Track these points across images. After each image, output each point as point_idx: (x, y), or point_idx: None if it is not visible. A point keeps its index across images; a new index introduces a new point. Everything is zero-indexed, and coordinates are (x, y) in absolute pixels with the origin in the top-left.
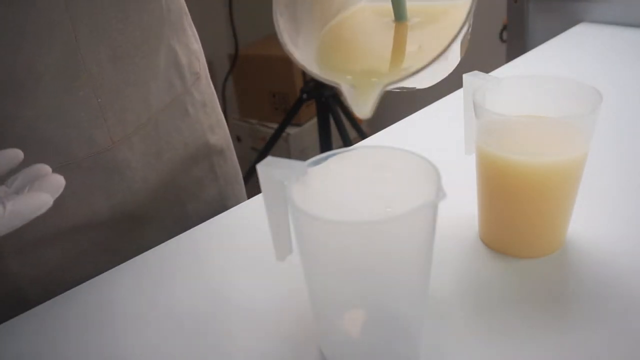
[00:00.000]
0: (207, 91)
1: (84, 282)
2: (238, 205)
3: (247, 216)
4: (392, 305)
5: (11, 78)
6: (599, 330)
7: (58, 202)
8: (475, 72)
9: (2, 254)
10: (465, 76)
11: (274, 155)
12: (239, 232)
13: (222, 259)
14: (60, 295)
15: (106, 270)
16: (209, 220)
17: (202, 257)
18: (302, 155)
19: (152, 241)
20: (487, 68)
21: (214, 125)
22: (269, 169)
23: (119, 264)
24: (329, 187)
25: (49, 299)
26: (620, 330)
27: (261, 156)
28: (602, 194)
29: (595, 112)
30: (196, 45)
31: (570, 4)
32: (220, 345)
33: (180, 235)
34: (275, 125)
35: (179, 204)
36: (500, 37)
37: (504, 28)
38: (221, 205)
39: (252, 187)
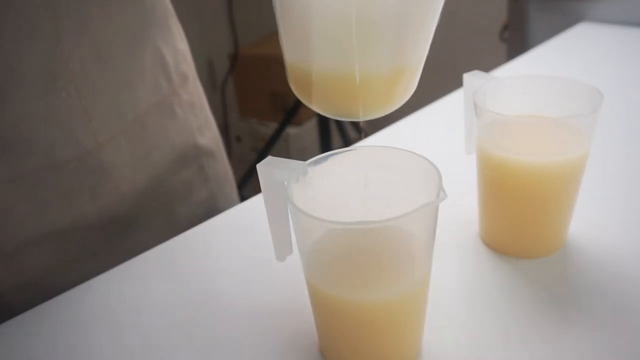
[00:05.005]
0: (195, 92)
1: (71, 288)
2: (237, 206)
3: (247, 216)
4: (392, 305)
5: None
6: (599, 330)
7: (43, 205)
8: (476, 72)
9: None
10: (465, 76)
11: (274, 155)
12: (238, 233)
13: (222, 259)
14: (45, 302)
15: (94, 276)
16: (208, 221)
17: (201, 258)
18: (302, 155)
19: (142, 245)
20: (487, 68)
21: (202, 126)
22: (269, 169)
23: (108, 270)
24: (329, 187)
25: (34, 306)
26: (620, 330)
27: (261, 156)
28: (603, 194)
29: (596, 112)
30: (183, 46)
31: (571, 4)
32: (219, 347)
33: (179, 236)
34: (275, 125)
35: (168, 206)
36: (501, 37)
37: (504, 28)
38: (212, 207)
39: (252, 187)
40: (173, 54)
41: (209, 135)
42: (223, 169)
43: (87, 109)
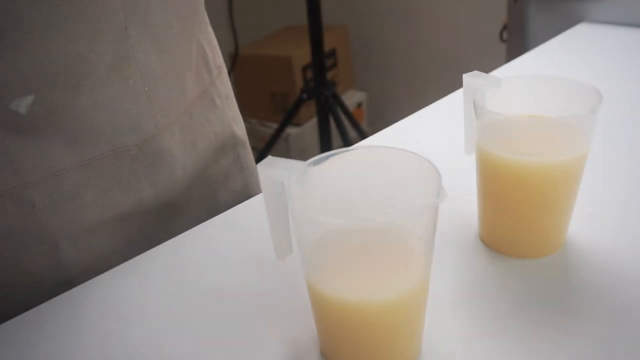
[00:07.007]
0: (227, 85)
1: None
2: (237, 206)
3: (247, 216)
4: (391, 305)
5: (67, 68)
6: (599, 330)
7: (107, 190)
8: (475, 72)
9: (59, 244)
10: (465, 76)
11: (274, 155)
12: (238, 233)
13: (221, 259)
14: (46, 302)
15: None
16: (207, 221)
17: (200, 258)
18: (302, 155)
19: (186, 230)
20: (487, 68)
21: (235, 117)
22: (269, 169)
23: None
24: (329, 187)
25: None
26: (620, 330)
27: (261, 156)
28: (602, 194)
29: (596, 112)
30: (215, 42)
31: (571, 4)
32: (219, 347)
33: (178, 236)
34: (275, 125)
35: (211, 193)
36: (500, 37)
37: (504, 28)
38: (246, 194)
39: None
40: (210, 48)
41: (241, 126)
42: (252, 159)
43: (150, 96)
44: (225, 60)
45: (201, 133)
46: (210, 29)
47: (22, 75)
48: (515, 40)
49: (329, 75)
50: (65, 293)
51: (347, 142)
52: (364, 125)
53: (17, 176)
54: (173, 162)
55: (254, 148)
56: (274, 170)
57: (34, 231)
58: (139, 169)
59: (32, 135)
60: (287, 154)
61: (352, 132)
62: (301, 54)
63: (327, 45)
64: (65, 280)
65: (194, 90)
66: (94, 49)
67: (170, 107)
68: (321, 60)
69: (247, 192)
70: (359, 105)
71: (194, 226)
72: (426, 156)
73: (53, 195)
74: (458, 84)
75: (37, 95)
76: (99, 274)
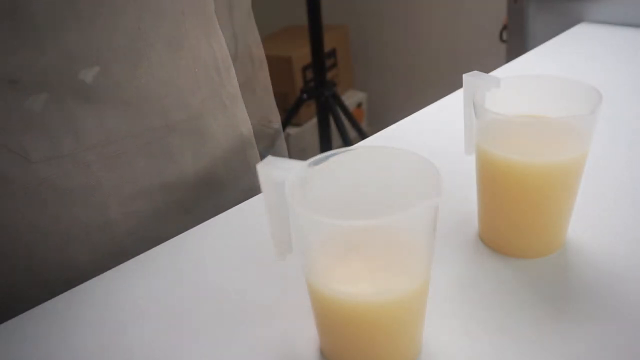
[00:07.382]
0: (235, 86)
1: (169, 238)
2: (237, 206)
3: (247, 216)
4: (392, 305)
5: (132, 45)
6: (598, 330)
7: (154, 160)
8: (475, 72)
9: (108, 204)
10: (465, 76)
11: (274, 155)
12: (238, 232)
13: (221, 258)
14: (47, 302)
15: (185, 230)
16: (207, 221)
17: (201, 257)
18: (302, 155)
19: (224, 205)
20: (487, 68)
21: (243, 118)
22: (269, 169)
23: (194, 225)
24: (329, 187)
25: (142, 250)
26: (619, 329)
27: (261, 156)
28: (602, 194)
29: (595, 112)
30: (224, 43)
31: (570, 4)
32: (219, 347)
33: (180, 235)
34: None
35: (219, 193)
36: (500, 37)
37: (504, 28)
38: (254, 194)
39: None
40: (219, 49)
41: (248, 127)
42: (259, 160)
43: (197, 77)
44: None
45: (210, 133)
46: (219, 30)
47: (91, 47)
48: (515, 40)
49: (329, 75)
50: (66, 293)
51: (347, 142)
52: (364, 125)
53: (79, 141)
54: (213, 139)
55: None
56: (274, 170)
57: (88, 189)
58: (185, 143)
59: (95, 104)
60: (287, 154)
61: (352, 132)
62: (301, 54)
63: (327, 45)
64: (110, 239)
65: (204, 90)
66: (156, 29)
67: (180, 106)
68: (321, 60)
69: (255, 191)
70: (359, 105)
71: (232, 199)
72: (426, 156)
73: (108, 160)
74: (458, 84)
75: (102, 67)
76: (140, 238)
